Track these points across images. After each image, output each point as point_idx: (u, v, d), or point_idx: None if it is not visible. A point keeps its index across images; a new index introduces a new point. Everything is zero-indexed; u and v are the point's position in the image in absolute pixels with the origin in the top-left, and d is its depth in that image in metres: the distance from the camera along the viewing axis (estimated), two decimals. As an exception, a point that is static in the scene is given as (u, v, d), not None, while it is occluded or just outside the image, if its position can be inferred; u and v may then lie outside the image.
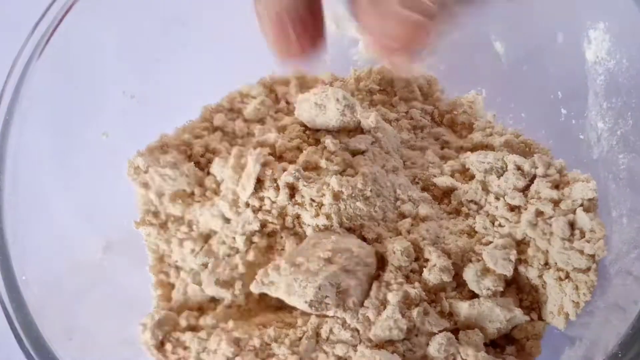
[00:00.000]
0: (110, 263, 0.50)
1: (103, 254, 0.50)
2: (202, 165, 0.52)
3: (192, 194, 0.51)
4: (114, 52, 0.52)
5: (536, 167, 0.48)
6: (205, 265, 0.48)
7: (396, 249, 0.45)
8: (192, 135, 0.53)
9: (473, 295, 0.46)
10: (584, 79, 0.48)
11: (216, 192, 0.50)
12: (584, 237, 0.45)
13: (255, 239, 0.48)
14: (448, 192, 0.50)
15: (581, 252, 0.44)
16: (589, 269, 0.44)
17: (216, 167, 0.51)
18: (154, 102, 0.54)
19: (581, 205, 0.46)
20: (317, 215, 0.47)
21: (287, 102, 0.56)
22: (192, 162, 0.51)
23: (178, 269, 0.50)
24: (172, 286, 0.50)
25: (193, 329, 0.46)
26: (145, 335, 0.45)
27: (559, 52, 0.50)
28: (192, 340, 0.45)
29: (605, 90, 0.47)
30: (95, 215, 0.50)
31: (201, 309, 0.48)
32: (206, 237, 0.50)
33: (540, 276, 0.46)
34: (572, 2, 0.48)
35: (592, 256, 0.44)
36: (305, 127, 0.52)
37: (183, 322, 0.46)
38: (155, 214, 0.51)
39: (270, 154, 0.49)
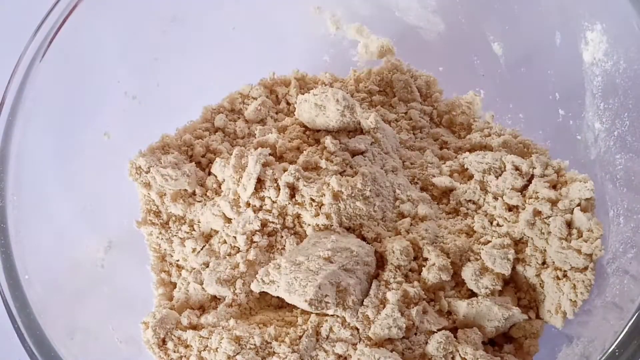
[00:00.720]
0: (111, 262, 0.51)
1: (105, 253, 0.51)
2: (203, 165, 0.52)
3: (194, 193, 0.51)
4: (115, 53, 0.53)
5: (534, 168, 0.49)
6: (206, 264, 0.49)
7: (395, 249, 0.46)
8: (193, 136, 0.53)
9: (472, 294, 0.46)
10: (581, 80, 0.49)
11: (217, 192, 0.51)
12: (582, 236, 0.46)
13: (256, 238, 0.48)
14: (447, 192, 0.51)
15: (579, 251, 0.45)
16: (586, 268, 0.45)
17: (217, 167, 0.51)
18: (155, 102, 0.54)
19: (578, 205, 0.46)
20: (317, 214, 0.47)
21: (288, 103, 0.56)
22: (194, 162, 0.52)
23: (179, 268, 0.51)
24: (174, 285, 0.50)
25: (194, 327, 0.46)
26: (147, 334, 0.46)
27: (557, 54, 0.50)
28: (194, 339, 0.45)
29: (603, 91, 0.48)
30: (97, 215, 0.51)
31: (202, 308, 0.49)
32: (207, 237, 0.51)
33: (538, 275, 0.46)
34: (570, 4, 0.49)
35: (590, 255, 0.45)
36: (306, 128, 0.52)
37: (184, 321, 0.47)
38: (157, 214, 0.51)
39: (270, 154, 0.50)
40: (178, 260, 0.51)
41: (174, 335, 0.46)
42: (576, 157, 0.49)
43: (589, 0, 0.48)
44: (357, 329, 0.44)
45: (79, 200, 0.50)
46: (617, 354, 0.38)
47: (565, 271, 0.45)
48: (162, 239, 0.51)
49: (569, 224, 0.46)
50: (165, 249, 0.51)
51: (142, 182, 0.50)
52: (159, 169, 0.50)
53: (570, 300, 0.45)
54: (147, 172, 0.50)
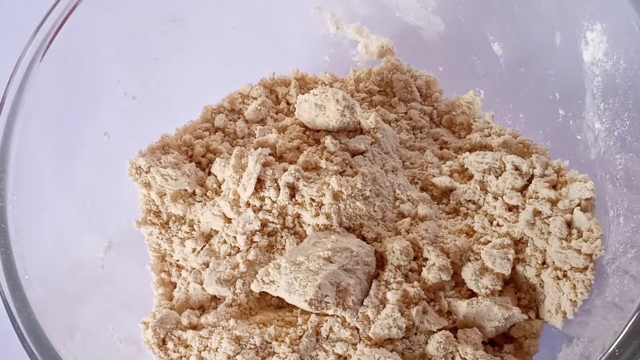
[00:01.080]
0: (111, 262, 0.51)
1: (105, 253, 0.51)
2: (203, 165, 0.52)
3: (194, 193, 0.51)
4: (115, 53, 0.53)
5: (534, 168, 0.49)
6: (206, 264, 0.49)
7: (395, 248, 0.46)
8: (193, 136, 0.53)
9: (472, 294, 0.46)
10: (581, 80, 0.49)
11: (217, 192, 0.51)
12: (582, 236, 0.46)
13: (256, 238, 0.48)
14: (447, 192, 0.51)
15: (579, 251, 0.45)
16: (586, 268, 0.45)
17: (217, 167, 0.51)
18: (155, 102, 0.54)
19: (578, 205, 0.46)
20: (317, 214, 0.47)
21: (288, 103, 0.57)
22: (194, 163, 0.52)
23: (179, 268, 0.51)
24: (174, 285, 0.50)
25: (194, 327, 0.46)
26: (147, 334, 0.46)
27: (557, 54, 0.50)
28: (194, 339, 0.45)
29: (603, 91, 0.48)
30: (96, 215, 0.51)
31: (202, 308, 0.49)
32: (207, 237, 0.51)
33: (538, 275, 0.46)
34: (570, 4, 0.49)
35: (590, 255, 0.45)
36: (306, 128, 0.52)
37: (184, 321, 0.47)
38: (157, 214, 0.51)
39: (270, 154, 0.50)
40: (178, 260, 0.51)
41: (174, 335, 0.46)
42: (576, 157, 0.49)
43: (589, 0, 0.48)
44: (357, 329, 0.44)
45: (79, 200, 0.50)
46: (617, 354, 0.38)
47: (565, 271, 0.45)
48: (162, 239, 0.51)
49: (569, 224, 0.46)
50: (165, 249, 0.51)
51: (142, 182, 0.50)
52: (159, 169, 0.50)
53: (570, 300, 0.45)
54: (147, 172, 0.50)
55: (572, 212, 0.46)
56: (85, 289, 0.49)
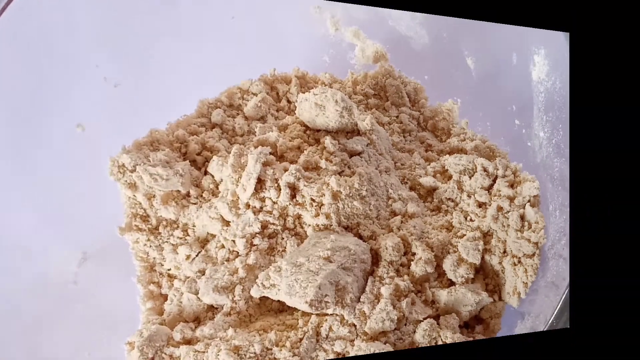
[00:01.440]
0: (87, 277, 0.43)
1: (78, 266, 0.43)
2: (199, 164, 0.48)
3: (188, 195, 0.46)
4: (92, 31, 0.45)
5: (497, 169, 0.56)
6: (202, 272, 0.45)
7: (388, 245, 0.48)
8: (188, 132, 0.48)
9: (451, 283, 0.51)
10: (530, 95, 0.57)
11: (214, 193, 0.47)
12: (530, 227, 0.54)
13: (256, 241, 0.46)
14: (431, 191, 0.55)
15: (529, 240, 0.53)
16: (534, 254, 0.53)
17: (214, 167, 0.47)
18: (143, 92, 0.47)
19: (529, 201, 0.55)
20: (317, 215, 0.47)
21: (289, 101, 0.55)
22: (188, 161, 0.47)
23: (171, 277, 0.46)
24: (164, 297, 0.45)
25: (189, 341, 0.43)
26: (132, 356, 0.41)
27: (514, 70, 0.58)
28: (188, 354, 0.41)
29: (545, 106, 0.57)
30: (68, 222, 0.43)
31: (197, 320, 0.45)
32: (203, 242, 0.47)
33: (500, 262, 0.53)
34: (524, 30, 0.57)
35: (536, 243, 0.53)
36: (306, 127, 0.51)
37: (177, 336, 0.42)
38: (144, 218, 0.45)
39: (271, 154, 0.48)
40: (169, 270, 0.46)
41: (165, 354, 0.41)
42: (527, 160, 0.58)
43: (536, 30, 0.57)
44: (355, 326, 0.45)
45: (46, 205, 0.42)
46: (554, 324, 0.47)
47: (519, 258, 0.53)
48: (150, 246, 0.45)
49: (522, 218, 0.54)
50: (154, 258, 0.45)
51: (127, 183, 0.44)
52: (146, 167, 0.44)
53: (523, 282, 0.52)
54: (132, 171, 0.44)
55: (524, 207, 0.54)
56: (52, 311, 0.41)
